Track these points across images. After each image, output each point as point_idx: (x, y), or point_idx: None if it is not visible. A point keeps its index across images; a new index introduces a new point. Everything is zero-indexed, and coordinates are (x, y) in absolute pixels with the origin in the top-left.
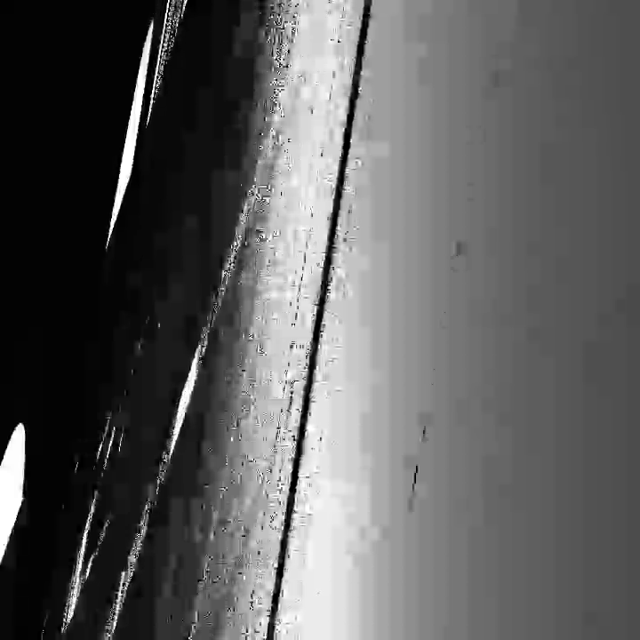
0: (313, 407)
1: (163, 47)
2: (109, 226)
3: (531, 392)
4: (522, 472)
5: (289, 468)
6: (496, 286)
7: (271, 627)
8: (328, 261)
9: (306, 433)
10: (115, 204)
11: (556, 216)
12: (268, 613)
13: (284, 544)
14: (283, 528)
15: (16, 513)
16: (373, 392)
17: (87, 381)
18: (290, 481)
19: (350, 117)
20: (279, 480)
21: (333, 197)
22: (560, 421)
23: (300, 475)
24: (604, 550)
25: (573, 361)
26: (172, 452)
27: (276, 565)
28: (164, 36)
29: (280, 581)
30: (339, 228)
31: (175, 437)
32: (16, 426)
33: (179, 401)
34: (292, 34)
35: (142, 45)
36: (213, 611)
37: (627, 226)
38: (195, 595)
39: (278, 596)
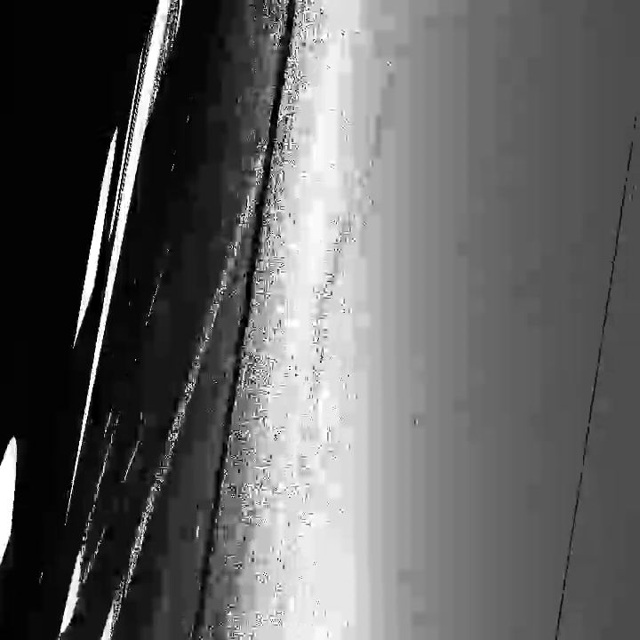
0: None
1: (125, 161)
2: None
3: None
4: None
5: None
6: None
7: None
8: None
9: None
10: (97, 213)
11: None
12: None
13: None
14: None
15: (10, 523)
16: None
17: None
18: None
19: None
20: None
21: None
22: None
23: None
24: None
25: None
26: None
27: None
28: (128, 149)
29: None
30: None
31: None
32: (9, 439)
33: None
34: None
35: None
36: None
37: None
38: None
39: None
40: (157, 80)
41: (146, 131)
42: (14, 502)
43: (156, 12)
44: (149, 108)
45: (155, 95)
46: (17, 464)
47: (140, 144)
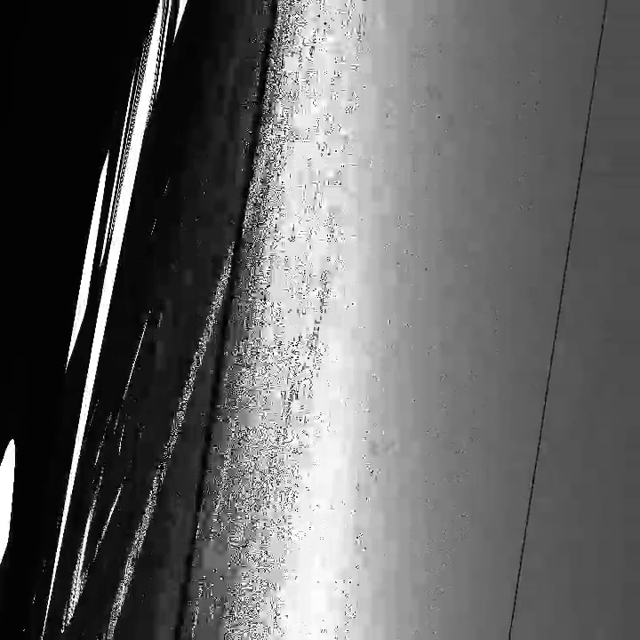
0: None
1: (117, 185)
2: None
3: None
4: None
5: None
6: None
7: None
8: None
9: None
10: (94, 211)
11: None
12: None
13: None
14: None
15: (8, 522)
16: None
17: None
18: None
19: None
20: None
21: None
22: None
23: None
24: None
25: None
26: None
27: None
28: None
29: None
30: None
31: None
32: (8, 442)
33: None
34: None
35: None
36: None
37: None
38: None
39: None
40: (152, 102)
41: (142, 144)
42: (13, 504)
43: (150, 39)
44: (146, 124)
45: (149, 114)
46: (16, 466)
47: (138, 156)
